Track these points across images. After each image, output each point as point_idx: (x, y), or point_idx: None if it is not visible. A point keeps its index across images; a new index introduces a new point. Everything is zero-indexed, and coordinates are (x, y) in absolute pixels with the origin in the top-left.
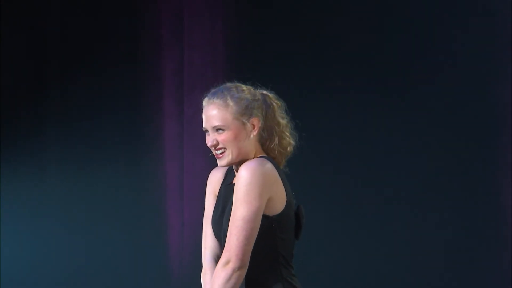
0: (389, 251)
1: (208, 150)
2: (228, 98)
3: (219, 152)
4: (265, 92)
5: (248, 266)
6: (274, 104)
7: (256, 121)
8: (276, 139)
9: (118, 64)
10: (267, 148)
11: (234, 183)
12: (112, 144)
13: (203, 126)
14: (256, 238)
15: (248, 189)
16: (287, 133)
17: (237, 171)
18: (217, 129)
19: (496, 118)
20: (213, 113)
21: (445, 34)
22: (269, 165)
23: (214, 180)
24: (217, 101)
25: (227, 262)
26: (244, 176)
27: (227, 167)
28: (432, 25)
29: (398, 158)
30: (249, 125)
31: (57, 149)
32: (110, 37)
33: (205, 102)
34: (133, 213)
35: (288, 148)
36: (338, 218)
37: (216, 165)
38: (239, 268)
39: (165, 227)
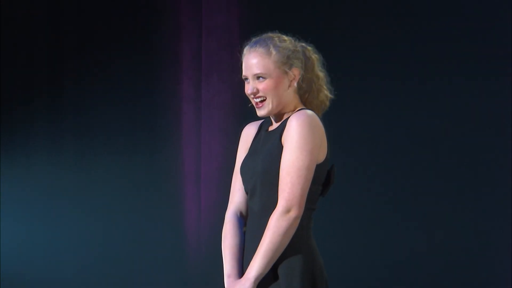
0: (388, 251)
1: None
2: (271, 46)
3: (258, 100)
4: (304, 44)
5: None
6: (313, 57)
7: (297, 72)
8: (315, 91)
9: (136, 48)
10: (305, 100)
11: (271, 130)
12: (129, 129)
13: (243, 74)
14: None
15: (307, 139)
16: (325, 86)
17: (276, 122)
18: (258, 77)
19: (496, 119)
20: (255, 61)
21: (445, 34)
22: (318, 118)
23: (247, 135)
24: (260, 49)
25: (288, 211)
26: (301, 126)
27: (260, 122)
28: (433, 26)
29: (399, 158)
30: (290, 74)
31: (74, 134)
32: (128, 21)
33: (245, 50)
34: (150, 198)
35: (326, 102)
36: (338, 217)
37: (246, 123)
38: (299, 217)
39: (182, 212)
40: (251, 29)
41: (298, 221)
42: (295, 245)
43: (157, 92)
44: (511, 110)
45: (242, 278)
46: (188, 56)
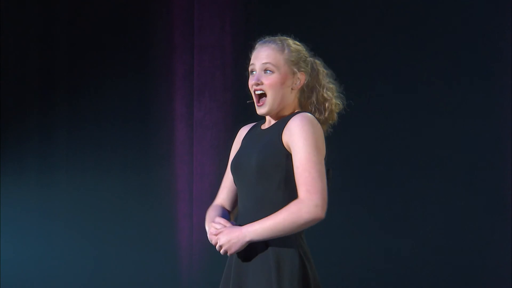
0: (388, 251)
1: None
2: (285, 45)
3: (258, 93)
4: (314, 59)
5: (271, 211)
6: (320, 69)
7: (303, 76)
8: (314, 100)
9: (128, 67)
10: (304, 106)
11: (266, 128)
12: (121, 148)
13: (250, 67)
14: (292, 186)
15: (315, 137)
16: (328, 96)
17: (271, 121)
18: (266, 69)
19: (497, 119)
20: (266, 53)
21: (444, 35)
22: (318, 122)
23: (241, 137)
24: (273, 45)
25: (316, 206)
26: (307, 126)
27: (254, 123)
28: (432, 26)
29: (399, 158)
30: (297, 77)
31: (66, 153)
32: (121, 40)
33: (258, 45)
34: (143, 217)
35: (333, 113)
36: (338, 217)
37: (243, 125)
38: (320, 220)
39: (174, 230)
40: (243, 48)
41: (315, 223)
42: (291, 242)
43: (150, 110)
44: (511, 110)
45: (237, 229)
46: (181, 75)
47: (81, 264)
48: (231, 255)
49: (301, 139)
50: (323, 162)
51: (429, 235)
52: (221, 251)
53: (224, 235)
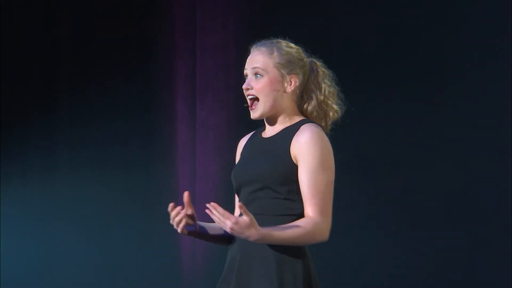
0: (387, 251)
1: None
2: (275, 48)
3: (249, 97)
4: (314, 59)
5: (274, 219)
6: (320, 71)
7: (295, 78)
8: (315, 103)
9: (131, 67)
10: (304, 110)
11: (271, 137)
12: (124, 148)
13: (244, 71)
14: (297, 198)
15: (326, 154)
16: (333, 102)
17: (272, 129)
18: (256, 73)
19: (496, 119)
20: (256, 57)
21: (444, 34)
22: (324, 133)
23: (241, 148)
24: (264, 48)
25: (328, 230)
26: (318, 143)
27: (253, 132)
28: (433, 27)
29: (398, 159)
30: (287, 79)
31: (68, 153)
32: (123, 40)
33: (251, 49)
34: (145, 217)
35: (333, 117)
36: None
37: (242, 136)
38: (324, 241)
39: (176, 231)
40: (246, 48)
41: (320, 241)
42: (294, 250)
43: (152, 111)
44: (511, 111)
45: (255, 230)
46: (183, 75)
47: (82, 263)
48: (233, 256)
49: (314, 158)
50: (333, 180)
51: (429, 235)
52: (227, 230)
53: (241, 228)
